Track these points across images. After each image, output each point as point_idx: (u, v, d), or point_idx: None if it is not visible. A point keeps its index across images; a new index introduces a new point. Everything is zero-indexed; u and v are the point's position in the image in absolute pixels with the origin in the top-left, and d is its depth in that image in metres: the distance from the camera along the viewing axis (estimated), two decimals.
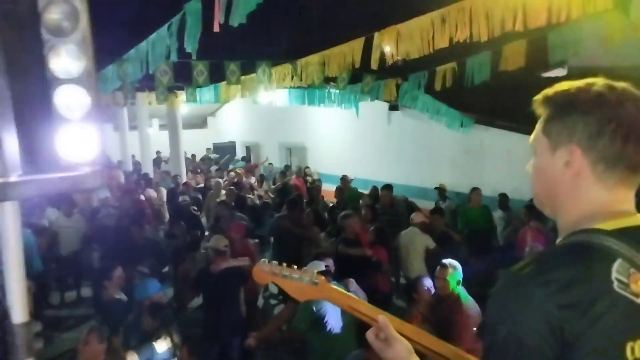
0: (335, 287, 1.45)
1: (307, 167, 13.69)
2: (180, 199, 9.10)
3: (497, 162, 9.54)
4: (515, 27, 4.82)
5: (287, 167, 14.04)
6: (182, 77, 7.83)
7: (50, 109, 1.30)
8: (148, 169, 13.86)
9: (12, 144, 1.25)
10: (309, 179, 12.55)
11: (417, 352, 1.28)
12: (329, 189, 11.57)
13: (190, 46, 4.60)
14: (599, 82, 1.01)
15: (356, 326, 3.59)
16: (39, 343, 3.23)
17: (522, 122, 8.59)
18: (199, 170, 14.51)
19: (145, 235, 6.65)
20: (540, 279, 0.89)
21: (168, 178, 12.39)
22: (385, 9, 6.59)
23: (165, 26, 5.10)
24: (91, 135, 1.38)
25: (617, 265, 0.90)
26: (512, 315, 0.90)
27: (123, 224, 6.93)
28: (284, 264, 1.45)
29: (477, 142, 9.97)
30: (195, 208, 9.10)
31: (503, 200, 8.24)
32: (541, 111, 1.07)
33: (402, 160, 11.74)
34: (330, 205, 9.35)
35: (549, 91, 1.05)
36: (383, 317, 1.30)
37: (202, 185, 11.71)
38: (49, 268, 6.92)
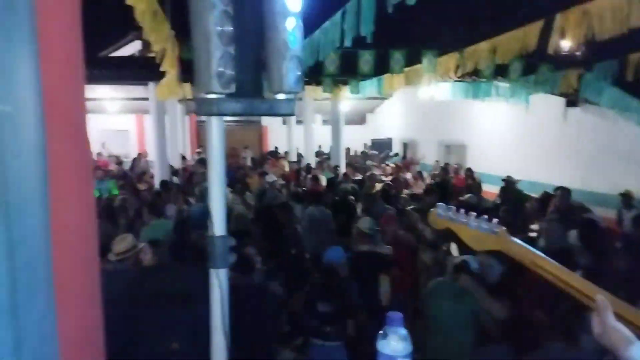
0: (516, 240, 1.35)
1: (469, 168, 13.14)
2: (341, 186, 9.48)
3: None
4: None
5: (445, 165, 13.66)
6: (348, 68, 8.09)
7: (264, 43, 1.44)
8: (310, 160, 14.64)
9: (224, 66, 1.41)
10: (469, 180, 12.03)
11: None
12: (489, 191, 10.97)
13: (366, 29, 4.72)
14: None
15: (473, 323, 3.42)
16: (232, 257, 3.60)
17: None
18: (355, 164, 14.90)
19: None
20: None
21: (329, 169, 13.00)
22: None
23: (339, 13, 5.32)
24: (291, 68, 1.49)
25: None
26: None
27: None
28: (462, 210, 1.40)
29: None
30: (353, 197, 9.36)
31: None
32: None
33: (578, 162, 10.58)
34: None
35: None
36: (602, 298, 1.17)
37: (359, 177, 12.00)
38: None
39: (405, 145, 19.11)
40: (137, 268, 4.16)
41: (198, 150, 17.26)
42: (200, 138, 17.97)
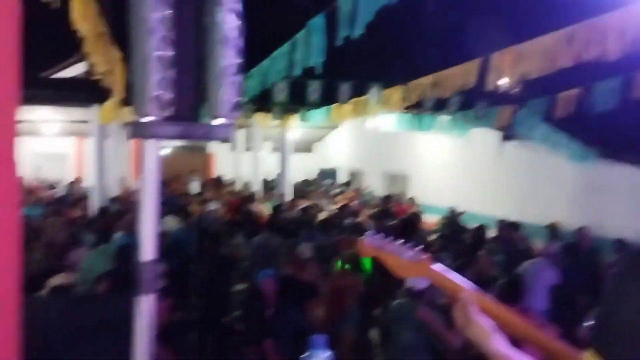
0: (439, 267, 1.40)
1: (412, 198, 13.48)
2: (284, 215, 9.46)
3: (622, 201, 8.67)
4: None
5: (388, 195, 13.96)
6: (296, 97, 8.22)
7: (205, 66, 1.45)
8: (257, 188, 14.55)
9: (162, 90, 1.40)
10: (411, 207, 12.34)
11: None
12: (429, 221, 11.28)
13: (316, 60, 4.83)
14: None
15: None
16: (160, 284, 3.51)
17: None
18: (301, 192, 14.95)
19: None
20: None
21: (274, 198, 12.97)
22: (505, 29, 6.41)
23: (288, 43, 5.43)
24: (230, 93, 1.50)
25: None
26: (633, 295, 0.82)
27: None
28: (389, 238, 1.43)
29: (601, 177, 9.16)
30: (296, 226, 9.39)
31: (619, 245, 7.39)
32: None
33: (513, 195, 11.11)
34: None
35: None
36: (466, 294, 1.26)
37: (304, 205, 12.05)
38: None
39: (351, 175, 19.41)
40: (69, 298, 3.97)
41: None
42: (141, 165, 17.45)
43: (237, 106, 1.61)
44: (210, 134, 1.58)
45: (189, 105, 1.55)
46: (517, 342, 1.24)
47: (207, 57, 1.56)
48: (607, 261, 6.91)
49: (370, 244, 1.41)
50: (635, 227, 7.71)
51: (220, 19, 1.51)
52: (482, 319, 1.23)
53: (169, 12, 1.42)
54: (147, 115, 1.45)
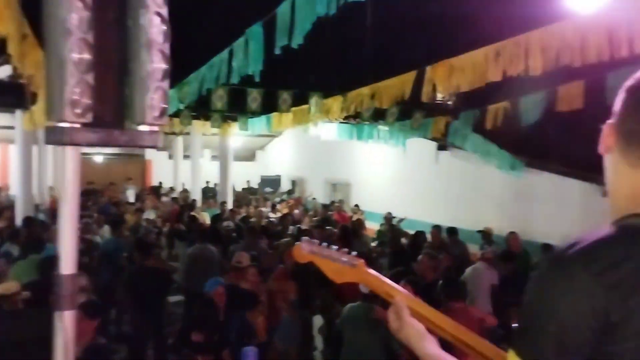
0: (372, 272, 1.42)
1: (356, 205, 13.67)
2: (225, 224, 9.31)
3: (548, 208, 9.20)
4: (573, 63, 4.76)
5: (331, 203, 14.08)
6: (236, 105, 8.13)
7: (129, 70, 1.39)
8: (196, 196, 14.25)
9: (80, 95, 1.34)
10: (352, 214, 12.52)
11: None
12: (372, 227, 11.47)
13: (254, 68, 4.80)
14: None
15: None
16: (82, 298, 3.36)
17: (578, 167, 8.32)
18: (242, 201, 14.80)
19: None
20: (584, 259, 0.86)
21: (214, 206, 12.74)
22: (439, 43, 6.67)
23: (226, 50, 5.36)
24: (156, 99, 1.45)
25: None
26: (554, 296, 0.86)
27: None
28: (325, 244, 1.44)
29: (528, 186, 9.68)
30: (235, 235, 9.26)
31: (545, 249, 7.86)
32: None
33: (448, 202, 11.53)
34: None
35: None
36: (399, 298, 1.28)
37: (245, 214, 11.93)
38: None
39: (293, 183, 19.42)
40: None
41: None
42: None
43: (163, 112, 1.56)
44: (135, 141, 1.52)
45: (111, 111, 1.48)
46: (448, 344, 1.28)
47: (131, 62, 1.50)
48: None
49: (306, 249, 1.41)
50: (559, 231, 8.20)
51: (144, 22, 1.46)
52: (414, 322, 1.26)
53: (87, 13, 1.36)
54: (63, 120, 1.38)
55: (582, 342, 0.83)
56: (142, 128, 1.50)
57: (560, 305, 0.85)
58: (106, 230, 8.23)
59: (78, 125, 1.37)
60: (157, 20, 1.46)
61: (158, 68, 1.48)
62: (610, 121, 0.99)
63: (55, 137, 1.40)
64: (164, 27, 1.49)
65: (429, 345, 1.23)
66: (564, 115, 6.84)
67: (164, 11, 1.47)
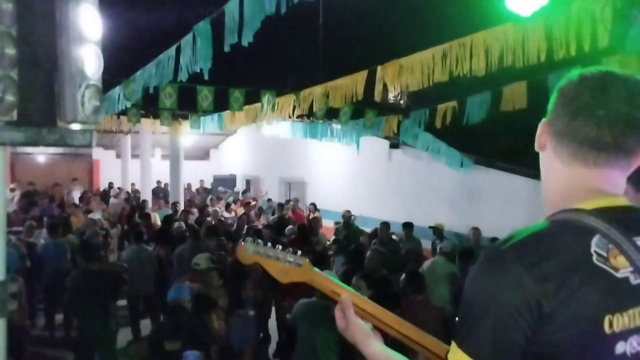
0: (318, 271, 1.42)
1: (312, 204, 13.68)
2: (176, 224, 9.09)
3: (496, 204, 9.51)
4: (515, 64, 4.94)
5: (287, 202, 14.03)
6: (187, 103, 7.97)
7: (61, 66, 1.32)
8: (147, 197, 13.87)
9: (2, 92, 1.26)
10: (310, 213, 12.53)
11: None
12: (327, 225, 11.52)
13: (203, 65, 4.71)
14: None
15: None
16: (13, 305, 3.22)
17: (523, 165, 8.66)
18: (195, 201, 14.52)
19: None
20: (517, 253, 0.89)
21: (165, 207, 12.43)
22: (389, 43, 6.76)
23: (173, 47, 5.24)
24: (89, 97, 1.39)
25: (596, 240, 0.89)
26: (489, 289, 0.89)
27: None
28: (269, 244, 1.42)
29: (477, 183, 9.98)
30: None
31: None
32: None
33: (401, 199, 11.73)
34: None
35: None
36: (345, 296, 1.30)
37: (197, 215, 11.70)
38: None
39: (248, 182, 19.23)
40: None
41: (12, 187, 14.95)
42: (15, 172, 15.76)
43: (98, 110, 1.50)
44: (66, 139, 1.45)
45: (40, 108, 1.41)
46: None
47: (61, 57, 1.43)
48: None
49: (250, 250, 1.39)
50: (507, 226, 8.48)
51: (74, 15, 1.39)
52: (359, 321, 1.27)
53: (10, 5, 1.28)
54: None
55: (517, 332, 0.86)
56: (75, 126, 1.43)
57: (495, 297, 0.87)
58: (42, 233, 7.88)
59: (1, 124, 1.30)
60: (88, 13, 1.40)
61: (90, 64, 1.42)
62: (544, 120, 1.03)
63: None
64: (97, 21, 1.43)
65: (374, 343, 1.24)
66: (509, 114, 7.09)
67: (96, 3, 1.40)
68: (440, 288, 6.02)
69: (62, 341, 6.48)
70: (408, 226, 8.58)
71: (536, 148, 1.05)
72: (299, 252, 1.42)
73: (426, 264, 6.40)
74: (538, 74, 6.17)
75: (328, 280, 1.39)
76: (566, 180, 1.00)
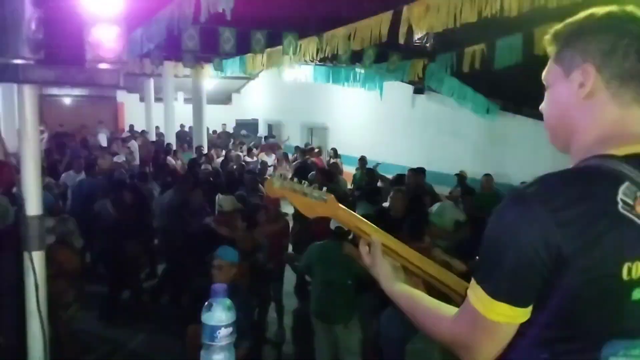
0: (343, 207, 1.45)
1: (333, 149, 13.65)
2: (203, 167, 9.29)
3: (521, 151, 9.38)
4: (547, 3, 4.72)
5: (305, 145, 14.05)
6: (209, 46, 7.87)
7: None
8: (171, 140, 14.04)
9: (36, 30, 1.28)
10: (329, 158, 12.55)
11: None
12: (348, 171, 11.57)
13: (225, 5, 4.61)
14: (604, 7, 0.99)
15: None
16: (51, 238, 3.39)
17: None
18: (219, 145, 14.67)
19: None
20: (542, 196, 0.90)
21: (189, 150, 12.62)
22: None
23: None
24: (116, 37, 1.40)
25: (624, 187, 0.89)
26: (510, 228, 0.91)
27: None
28: (295, 179, 1.46)
29: (502, 129, 9.80)
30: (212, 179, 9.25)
31: None
32: (552, 48, 1.06)
33: (423, 145, 11.63)
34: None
35: (557, 27, 1.05)
36: (376, 237, 1.32)
37: (222, 158, 11.85)
38: None
39: (270, 127, 19.24)
40: None
41: (40, 128, 15.32)
42: (43, 114, 16.08)
43: (125, 50, 1.51)
44: (94, 79, 1.47)
45: (68, 47, 1.43)
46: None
47: None
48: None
49: (277, 184, 1.42)
50: (532, 174, 8.36)
51: None
52: (385, 260, 1.30)
53: None
54: (18, 57, 1.32)
55: (534, 273, 0.88)
56: (103, 66, 1.45)
57: (516, 237, 0.89)
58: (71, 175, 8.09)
59: (32, 62, 1.32)
60: None
61: (115, 5, 1.42)
62: (589, 64, 0.98)
63: (8, 74, 1.35)
64: None
65: (398, 283, 1.27)
66: (539, 58, 6.83)
67: None
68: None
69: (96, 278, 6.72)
70: (420, 171, 8.37)
71: (580, 97, 0.99)
72: (325, 189, 1.46)
73: (434, 206, 6.36)
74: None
75: (352, 215, 1.42)
76: (617, 124, 0.97)
